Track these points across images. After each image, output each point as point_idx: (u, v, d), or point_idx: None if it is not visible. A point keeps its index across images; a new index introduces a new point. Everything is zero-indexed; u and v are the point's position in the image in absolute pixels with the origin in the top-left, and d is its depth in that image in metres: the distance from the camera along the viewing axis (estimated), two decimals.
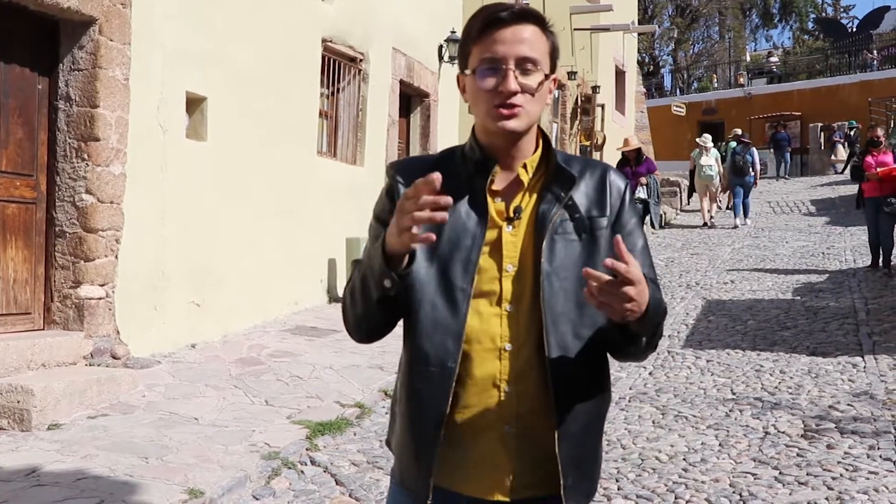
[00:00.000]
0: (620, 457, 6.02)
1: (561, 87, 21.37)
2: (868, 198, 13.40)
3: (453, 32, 14.35)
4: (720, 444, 6.20)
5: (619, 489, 5.42)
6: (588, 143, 22.31)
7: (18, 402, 6.14)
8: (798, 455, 5.90)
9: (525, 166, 2.13)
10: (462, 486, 2.10)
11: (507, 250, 2.08)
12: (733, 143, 21.19)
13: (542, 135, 2.19)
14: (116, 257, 7.59)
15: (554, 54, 2.16)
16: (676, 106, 35.94)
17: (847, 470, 5.57)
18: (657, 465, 5.84)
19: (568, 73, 21.20)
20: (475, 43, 2.09)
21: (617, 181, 2.19)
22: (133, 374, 7.15)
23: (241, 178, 9.20)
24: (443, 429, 2.05)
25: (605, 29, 23.14)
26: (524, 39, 2.06)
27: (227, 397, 7.17)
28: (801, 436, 6.32)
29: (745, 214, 19.79)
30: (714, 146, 21.17)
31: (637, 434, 6.51)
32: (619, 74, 26.91)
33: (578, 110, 22.59)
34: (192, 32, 8.47)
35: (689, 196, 23.79)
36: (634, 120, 29.26)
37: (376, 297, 2.02)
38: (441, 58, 14.66)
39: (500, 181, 2.12)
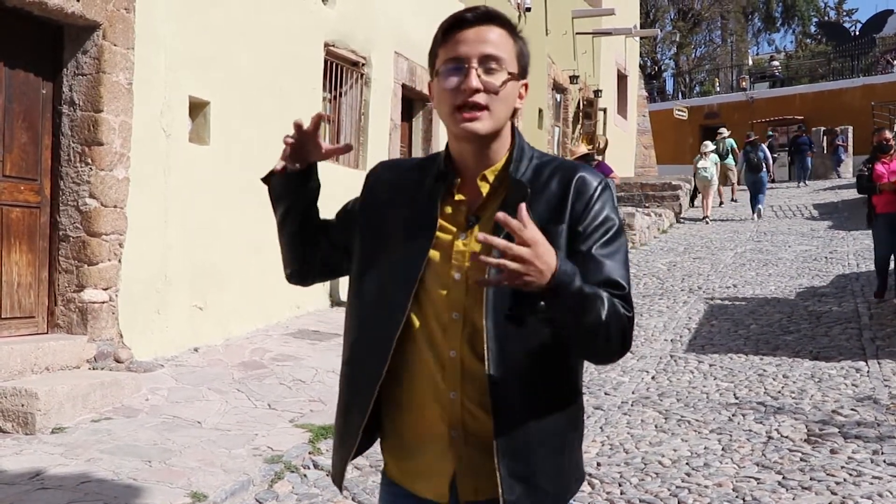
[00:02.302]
0: (623, 461, 6.02)
1: (563, 91, 21.38)
2: (882, 214, 11.27)
3: None
4: (723, 449, 6.20)
5: (621, 493, 5.43)
6: (590, 147, 22.29)
7: (22, 405, 6.15)
8: (801, 460, 5.90)
9: (485, 177, 2.08)
10: (415, 486, 2.12)
11: (456, 259, 2.04)
12: (730, 141, 23.35)
13: (513, 140, 2.12)
14: (120, 261, 7.60)
15: (522, 59, 2.10)
16: (678, 110, 35.90)
17: (851, 475, 5.58)
18: (660, 469, 5.84)
19: (570, 76, 21.21)
20: (440, 46, 2.07)
21: (586, 183, 2.06)
22: (136, 378, 7.16)
23: (243, 182, 9.19)
24: (359, 435, 2.12)
25: (607, 33, 23.17)
26: (488, 39, 2.02)
27: (230, 401, 7.18)
28: (805, 440, 6.32)
29: (760, 207, 21.49)
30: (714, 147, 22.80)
31: (640, 438, 6.51)
32: (622, 78, 26.92)
33: (580, 114, 22.60)
34: (195, 37, 8.49)
35: (693, 197, 24.57)
36: (636, 124, 29.27)
37: (278, 215, 2.31)
38: None
39: (466, 189, 2.09)
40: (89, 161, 7.34)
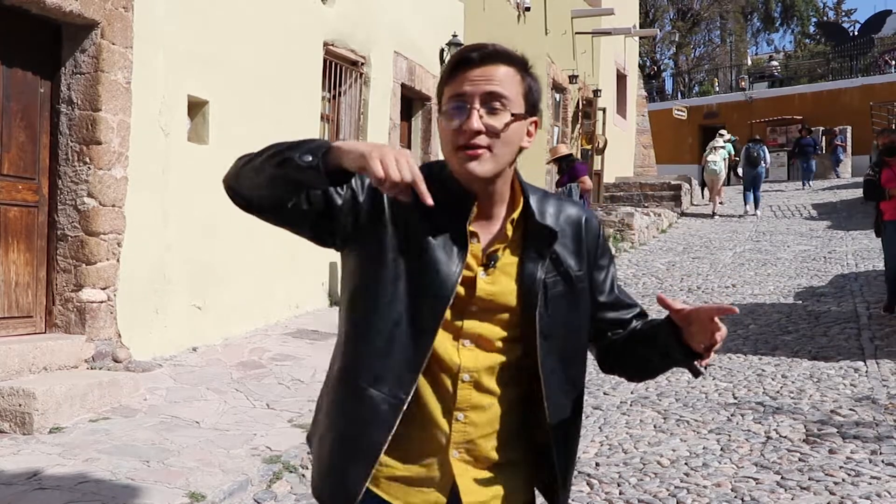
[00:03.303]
0: (622, 461, 6.02)
1: (562, 90, 21.38)
2: (891, 221, 10.41)
3: (455, 36, 14.35)
4: (722, 449, 6.20)
5: (620, 493, 5.42)
6: (589, 147, 22.29)
7: (20, 405, 6.14)
8: (800, 460, 5.90)
9: (512, 221, 2.10)
10: (399, 499, 2.11)
11: (480, 294, 2.07)
12: (730, 147, 23.82)
13: (520, 183, 2.15)
14: (118, 261, 7.59)
15: (530, 97, 2.09)
16: (678, 110, 35.90)
17: (849, 475, 5.58)
18: (659, 469, 5.84)
19: (569, 76, 21.20)
20: (446, 84, 2.06)
21: (592, 223, 2.23)
22: (134, 378, 7.15)
23: None
24: (376, 464, 2.06)
25: (607, 33, 23.16)
26: (492, 78, 2.01)
27: (229, 401, 7.17)
28: (803, 440, 6.32)
29: (756, 205, 22.07)
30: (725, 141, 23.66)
31: (638, 438, 6.51)
32: (621, 78, 26.91)
33: (580, 114, 22.59)
34: (193, 36, 8.48)
35: (702, 188, 25.48)
36: (636, 124, 29.26)
37: (293, 177, 1.91)
38: (443, 61, 14.66)
39: (477, 223, 2.08)
40: (87, 160, 7.33)
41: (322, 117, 11.26)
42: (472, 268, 2.06)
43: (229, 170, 2.12)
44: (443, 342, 2.05)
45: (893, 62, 37.43)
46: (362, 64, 11.98)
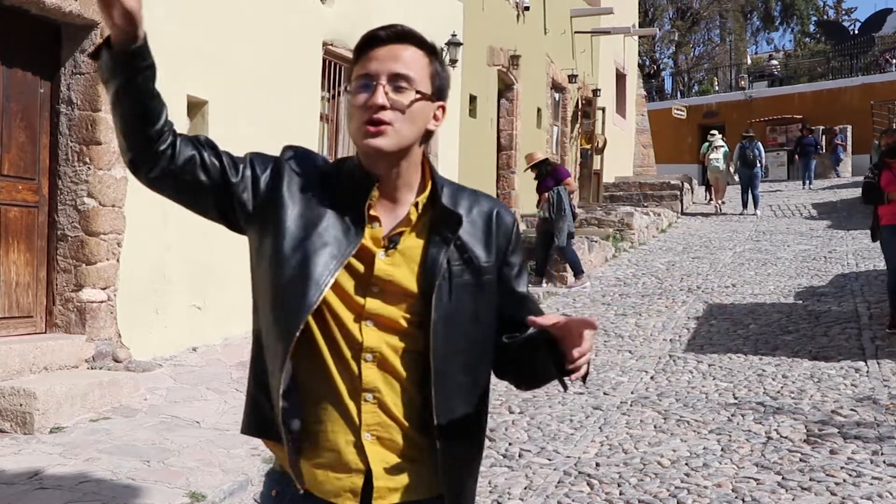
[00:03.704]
0: (622, 461, 6.02)
1: (561, 90, 21.38)
2: (887, 226, 9.70)
3: (454, 36, 14.35)
4: (722, 449, 6.20)
5: (620, 494, 5.42)
6: (589, 147, 22.29)
7: (21, 405, 6.15)
8: (801, 460, 5.89)
9: (416, 204, 2.09)
10: (314, 487, 2.08)
11: (379, 273, 2.05)
12: (726, 149, 23.23)
13: (430, 170, 2.15)
14: (118, 261, 7.59)
15: (437, 80, 2.10)
16: (677, 109, 35.89)
17: (850, 475, 5.57)
18: (659, 469, 5.84)
19: (568, 76, 21.20)
20: (355, 63, 2.08)
21: (505, 218, 2.19)
22: (135, 378, 7.15)
23: None
24: (282, 400, 2.02)
25: (606, 32, 23.15)
26: (399, 57, 2.03)
27: (229, 400, 7.17)
28: (804, 441, 6.31)
29: (756, 205, 21.98)
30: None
31: (639, 438, 6.51)
32: (620, 77, 26.91)
33: (579, 113, 22.58)
34: (193, 36, 8.47)
35: (706, 188, 25.38)
36: (635, 123, 29.26)
37: (111, 96, 2.01)
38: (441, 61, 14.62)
39: (380, 207, 2.09)
40: (87, 160, 7.33)
41: (321, 117, 11.26)
42: (371, 249, 2.05)
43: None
44: (346, 321, 2.03)
45: (894, 61, 37.42)
46: None
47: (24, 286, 7.21)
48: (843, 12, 54.18)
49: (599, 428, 6.80)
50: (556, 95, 21.18)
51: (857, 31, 43.57)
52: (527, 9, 18.23)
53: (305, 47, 10.58)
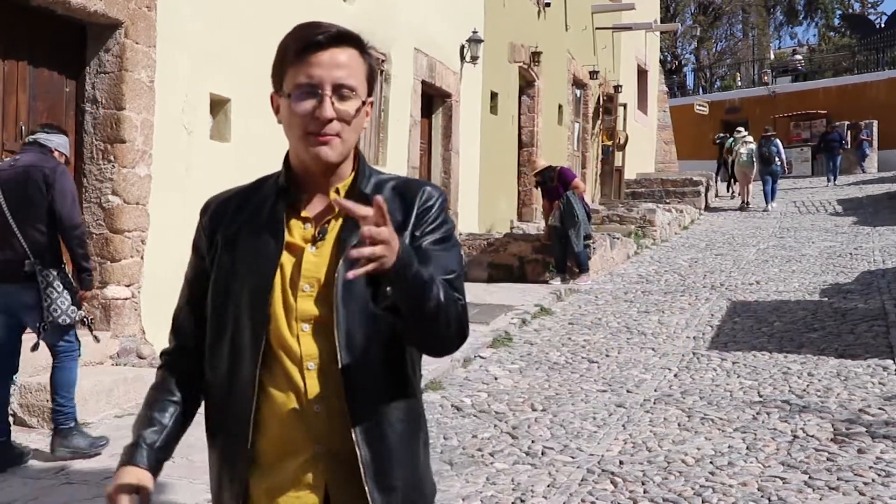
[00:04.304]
0: (646, 459, 5.99)
1: (583, 86, 21.34)
2: None
3: (475, 32, 14.34)
4: (748, 448, 6.15)
5: (644, 492, 5.39)
6: (610, 143, 22.26)
7: (48, 401, 6.17)
8: (828, 459, 5.85)
9: (337, 190, 2.08)
10: None
11: (307, 270, 2.02)
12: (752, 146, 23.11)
13: (357, 157, 2.13)
14: (142, 258, 7.62)
15: (371, 78, 2.10)
16: (699, 105, 35.74)
17: (879, 475, 5.52)
18: (683, 468, 5.80)
19: (590, 72, 21.17)
20: (291, 65, 2.05)
21: (427, 194, 2.12)
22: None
23: None
24: (247, 458, 2.04)
25: (627, 28, 23.10)
26: (341, 64, 2.02)
27: None
28: (831, 440, 6.26)
29: (772, 198, 22.37)
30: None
31: (663, 437, 6.47)
32: (642, 73, 26.85)
33: (600, 110, 22.55)
34: (216, 35, 8.49)
35: (729, 183, 25.87)
36: (657, 119, 29.17)
37: None
38: (463, 58, 14.65)
39: (312, 206, 2.08)
40: (112, 158, 7.36)
41: None
42: (300, 246, 2.04)
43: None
44: (283, 330, 2.00)
45: None
46: (383, 61, 11.97)
47: None
48: (869, 5, 53.80)
49: (623, 426, 6.77)
50: (578, 92, 21.14)
51: (883, 25, 43.21)
52: (548, 5, 18.19)
53: None
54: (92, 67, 7.44)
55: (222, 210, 2.17)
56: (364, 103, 2.05)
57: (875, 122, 31.45)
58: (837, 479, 5.46)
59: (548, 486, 5.58)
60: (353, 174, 2.11)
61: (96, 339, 6.14)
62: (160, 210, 7.78)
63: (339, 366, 1.97)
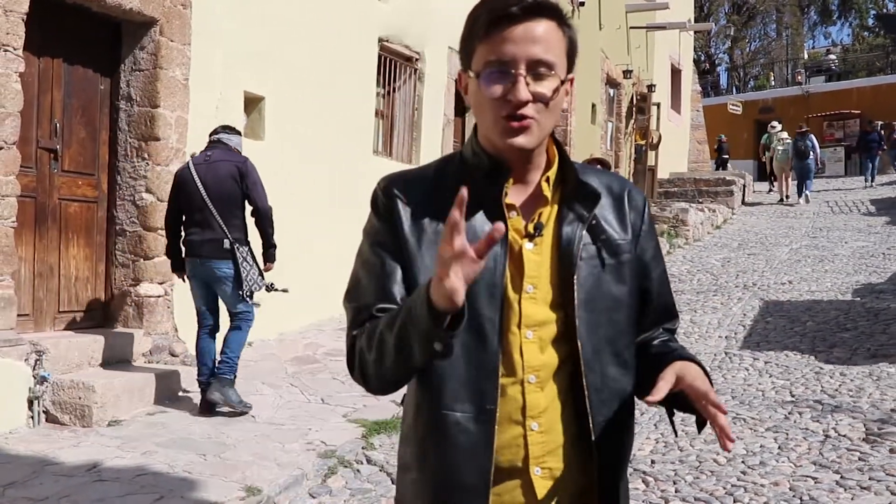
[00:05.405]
0: (678, 458, 5.97)
1: (616, 85, 21.25)
2: None
3: None
4: (779, 447, 6.12)
5: (676, 491, 5.38)
6: (643, 143, 22.14)
7: (80, 398, 6.24)
8: (860, 459, 5.80)
9: (547, 179, 1.88)
10: None
11: (529, 269, 1.83)
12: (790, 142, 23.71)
13: (555, 143, 1.93)
14: None
15: (572, 53, 1.85)
16: (733, 105, 35.52)
17: None
18: (715, 467, 5.78)
19: (623, 71, 21.07)
20: (480, 40, 1.80)
21: (636, 198, 1.97)
22: (191, 372, 7.22)
23: (297, 177, 9.25)
24: (491, 482, 1.81)
25: (661, 27, 22.98)
26: (537, 38, 1.76)
27: (284, 395, 7.22)
28: (863, 439, 6.21)
29: (801, 193, 23.09)
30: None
31: (694, 436, 6.43)
32: (675, 73, 26.69)
33: (634, 109, 22.44)
34: (250, 33, 8.54)
35: (770, 177, 26.66)
36: (690, 119, 29.01)
37: (420, 360, 1.70)
38: None
39: (513, 194, 1.87)
40: (146, 156, 7.42)
41: (376, 113, 11.29)
42: (515, 242, 1.84)
43: (353, 370, 1.89)
44: (503, 338, 1.80)
45: None
46: (417, 60, 11.99)
47: (84, 280, 7.31)
48: None
49: (654, 425, 6.75)
50: (611, 91, 21.06)
51: None
52: (582, 4, 18.13)
53: (361, 43, 10.62)
54: (127, 65, 7.50)
55: (414, 193, 1.90)
56: (563, 82, 1.81)
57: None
58: (869, 479, 5.42)
59: None
60: (557, 161, 1.92)
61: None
62: None
63: (584, 383, 1.82)
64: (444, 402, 1.81)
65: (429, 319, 1.59)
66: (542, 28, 1.77)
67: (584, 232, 1.86)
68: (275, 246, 7.10)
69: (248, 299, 6.83)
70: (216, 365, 6.75)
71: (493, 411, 1.79)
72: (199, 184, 6.69)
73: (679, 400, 1.87)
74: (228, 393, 6.64)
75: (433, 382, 1.81)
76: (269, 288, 7.03)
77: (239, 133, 7.23)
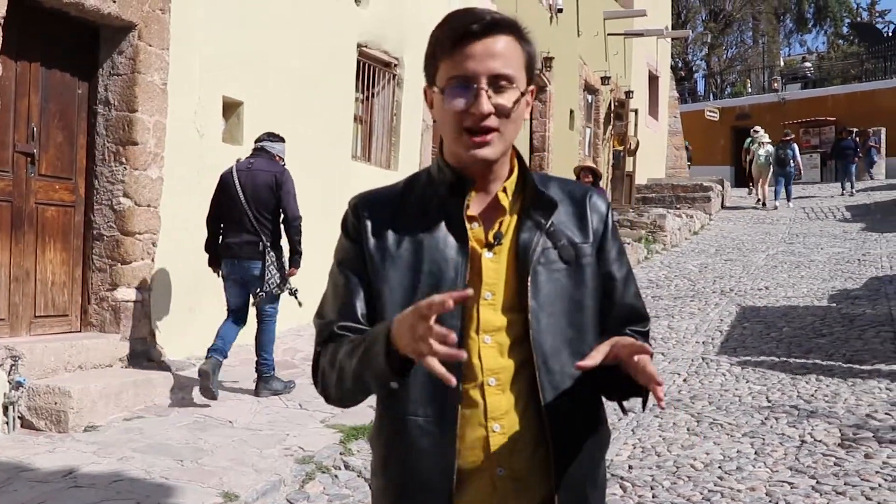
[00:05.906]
0: (655, 464, 5.99)
1: (594, 92, 21.33)
2: None
3: None
4: (756, 453, 6.16)
5: (653, 497, 5.40)
6: (621, 149, 22.22)
7: (56, 403, 6.20)
8: (835, 464, 5.84)
9: (504, 189, 1.96)
10: None
11: (488, 277, 1.91)
12: (770, 148, 24.30)
13: (516, 154, 2.01)
14: (153, 260, 7.65)
15: (531, 66, 1.94)
16: (710, 111, 35.71)
17: (886, 480, 5.51)
18: (692, 472, 5.81)
19: (601, 77, 21.15)
20: (443, 58, 1.90)
21: (598, 204, 2.04)
22: (168, 377, 7.20)
23: None
24: (455, 482, 1.88)
25: (639, 34, 23.08)
26: (497, 54, 1.86)
27: (262, 401, 7.21)
28: (839, 445, 6.26)
29: (788, 198, 24.04)
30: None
31: (671, 441, 6.48)
32: (653, 79, 26.81)
33: (612, 115, 22.52)
34: (229, 38, 8.53)
35: (749, 181, 27.20)
36: (668, 125, 29.13)
37: (377, 391, 1.87)
38: None
39: (475, 205, 1.94)
40: (124, 161, 7.39)
41: (355, 118, 11.29)
42: (476, 252, 1.92)
43: (317, 384, 2.01)
44: (461, 344, 1.83)
45: None
46: (395, 65, 12.00)
47: (60, 285, 7.28)
48: (877, 14, 53.73)
49: (632, 430, 6.77)
50: (589, 97, 21.13)
51: (891, 33, 43.14)
52: (560, 11, 18.21)
53: (340, 49, 10.62)
54: (105, 69, 7.47)
55: (381, 212, 1.99)
56: (524, 94, 1.91)
57: (883, 130, 31.39)
58: (845, 484, 5.46)
59: None
60: (516, 170, 1.99)
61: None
62: (171, 213, 7.80)
63: (539, 383, 1.88)
64: (408, 408, 1.90)
65: (385, 366, 1.72)
66: (502, 44, 1.88)
67: (544, 237, 1.94)
68: (300, 253, 7.53)
69: (270, 299, 7.42)
70: (256, 367, 7.40)
71: (455, 414, 1.87)
72: (239, 190, 7.25)
73: (626, 386, 1.95)
74: (274, 385, 7.37)
75: (396, 391, 1.84)
76: (292, 292, 7.51)
77: (283, 140, 7.74)
